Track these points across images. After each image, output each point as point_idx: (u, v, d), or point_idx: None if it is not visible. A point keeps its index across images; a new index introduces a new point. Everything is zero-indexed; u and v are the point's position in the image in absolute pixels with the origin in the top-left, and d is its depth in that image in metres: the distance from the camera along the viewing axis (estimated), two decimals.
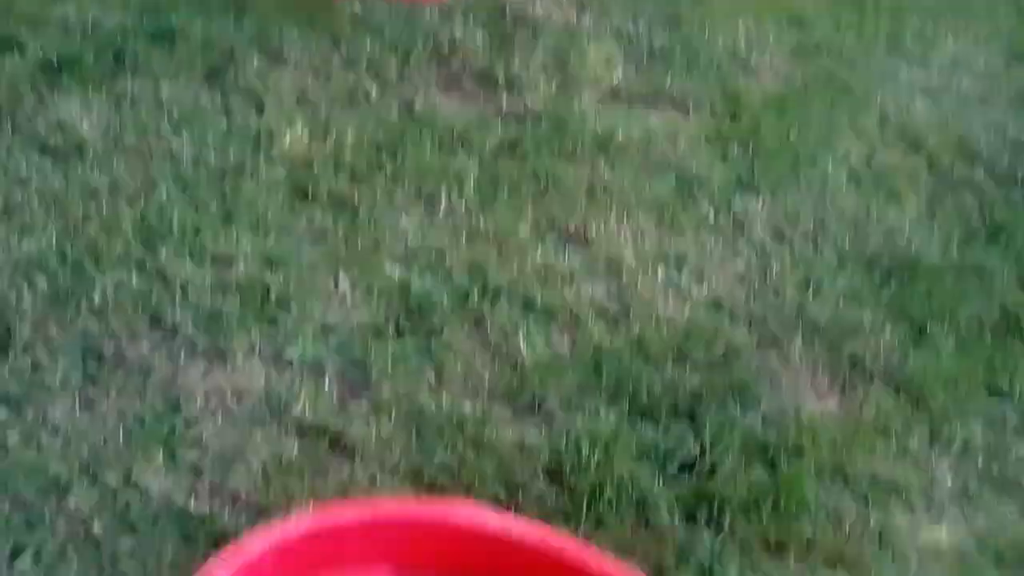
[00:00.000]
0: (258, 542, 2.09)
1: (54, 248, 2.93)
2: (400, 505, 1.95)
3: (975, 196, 3.94)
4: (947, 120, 4.30)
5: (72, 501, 2.34)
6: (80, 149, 3.32)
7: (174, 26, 3.94)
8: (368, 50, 3.98)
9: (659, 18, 4.58)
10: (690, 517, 2.60)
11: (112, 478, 2.40)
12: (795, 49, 4.57)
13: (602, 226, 3.42)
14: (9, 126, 3.37)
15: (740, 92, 4.22)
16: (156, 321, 2.79)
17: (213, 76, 3.74)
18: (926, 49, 4.76)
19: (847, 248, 3.57)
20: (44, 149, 3.29)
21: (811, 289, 3.38)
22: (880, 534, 2.65)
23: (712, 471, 2.72)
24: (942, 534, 2.69)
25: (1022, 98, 4.56)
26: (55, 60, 3.66)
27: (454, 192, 3.39)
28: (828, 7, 4.93)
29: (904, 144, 4.15)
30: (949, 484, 2.83)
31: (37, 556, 2.24)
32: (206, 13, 4.03)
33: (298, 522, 2.19)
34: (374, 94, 3.81)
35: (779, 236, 3.57)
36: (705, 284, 3.31)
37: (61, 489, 2.36)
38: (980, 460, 2.91)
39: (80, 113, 3.47)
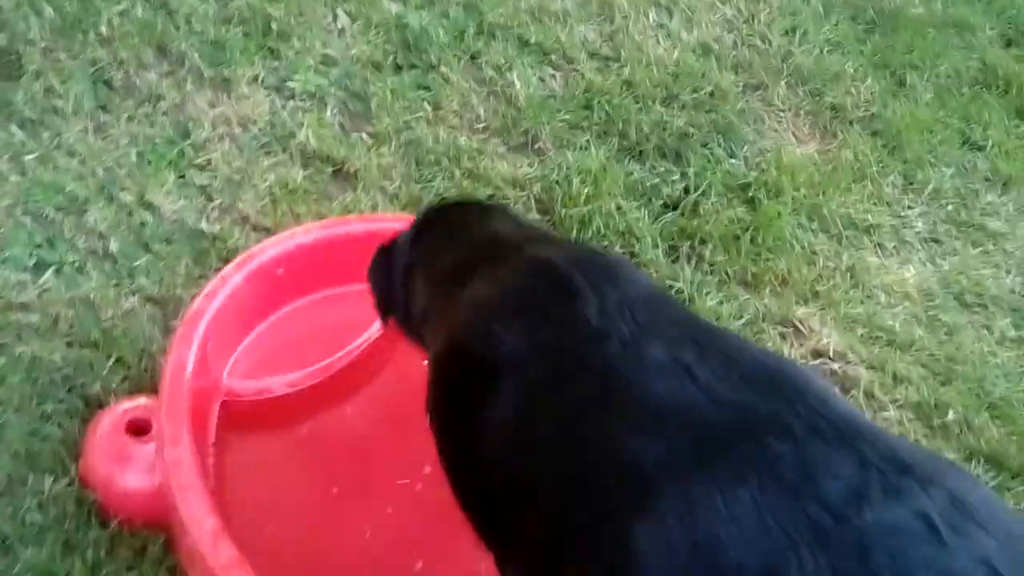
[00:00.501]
0: (271, 249, 2.19)
1: None
2: (404, 219, 2.03)
3: None
4: None
5: (90, 218, 2.41)
6: None
7: None
8: None
9: None
10: (673, 250, 2.69)
11: (127, 198, 2.47)
12: None
13: None
14: None
15: None
16: (162, 51, 2.81)
17: None
18: None
19: None
20: None
21: (797, 37, 3.40)
22: (851, 272, 2.76)
23: (695, 208, 2.80)
24: (909, 273, 2.79)
25: None
26: None
27: None
28: None
29: None
30: (919, 228, 2.93)
31: (59, 271, 2.32)
32: None
33: (307, 232, 2.28)
34: None
35: None
36: (695, 29, 3.33)
37: (79, 207, 2.43)
38: (950, 206, 3.00)
39: None
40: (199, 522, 1.77)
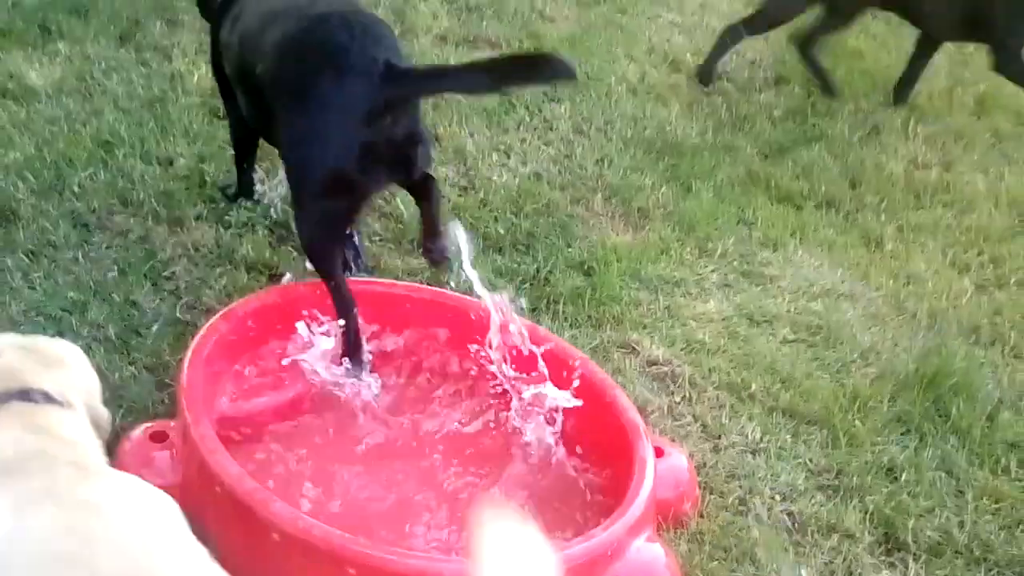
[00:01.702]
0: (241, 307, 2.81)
1: (34, 156, 3.56)
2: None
3: (723, 99, 4.86)
4: (700, 48, 5.20)
5: (90, 315, 3.00)
6: (33, 92, 3.93)
7: (84, 2, 4.56)
8: None
9: None
10: (534, 308, 3.37)
11: (116, 298, 3.07)
12: (580, 1, 5.44)
13: (447, 127, 4.19)
14: None
15: (540, 33, 5.06)
16: (124, 200, 3.46)
17: (126, 38, 4.39)
18: None
19: (630, 137, 4.42)
20: (4, 94, 3.89)
21: (606, 164, 4.21)
22: (667, 310, 3.49)
23: (547, 281, 3.51)
24: (711, 306, 3.54)
25: None
26: None
27: None
28: None
29: (667, 66, 5.05)
30: (714, 279, 3.69)
31: None
32: None
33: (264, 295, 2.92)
34: None
35: (579, 131, 4.41)
36: (529, 163, 4.12)
37: (80, 308, 3.02)
38: (735, 262, 3.78)
39: (25, 67, 4.07)
40: (227, 469, 2.34)
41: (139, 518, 1.73)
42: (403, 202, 3.64)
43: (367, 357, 2.87)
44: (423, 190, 2.95)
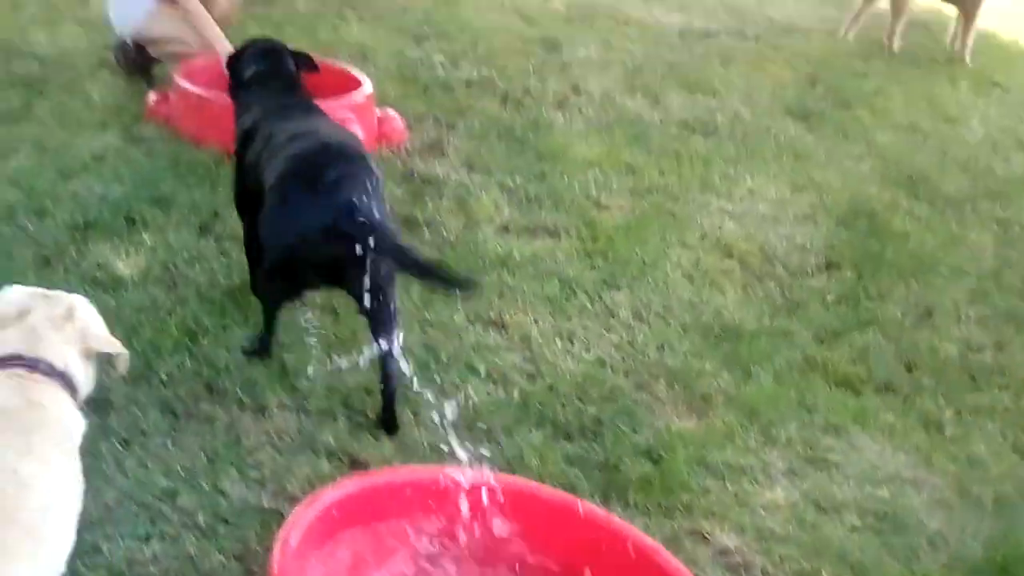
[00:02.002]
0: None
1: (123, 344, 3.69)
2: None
3: (777, 284, 4.98)
4: (751, 233, 5.36)
5: (180, 502, 3.09)
6: (120, 281, 4.10)
7: (166, 194, 4.78)
8: None
9: (530, 174, 5.59)
10: (606, 497, 3.43)
11: (205, 486, 3.17)
12: (632, 190, 5.63)
13: (512, 315, 4.32)
14: (62, 268, 4.13)
15: (596, 221, 5.22)
16: (210, 388, 3.58)
17: (206, 228, 4.58)
18: (730, 185, 5.87)
19: (688, 322, 4.53)
20: (94, 282, 4.05)
21: (666, 350, 4.31)
22: (736, 496, 3.54)
23: (616, 468, 3.57)
24: (778, 494, 3.58)
25: (804, 217, 5.66)
26: (81, 222, 4.45)
27: (403, 294, 4.25)
28: (654, 160, 6.02)
29: (720, 252, 5.19)
30: (779, 465, 3.74)
31: (162, 539, 2.97)
32: (188, 184, 4.89)
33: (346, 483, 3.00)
34: None
35: (639, 316, 4.52)
36: (592, 350, 4.22)
37: (171, 495, 3.11)
38: (799, 448, 3.84)
39: (112, 257, 4.25)
40: None
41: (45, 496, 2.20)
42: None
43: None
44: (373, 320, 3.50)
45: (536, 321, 4.33)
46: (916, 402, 4.22)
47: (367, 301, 3.38)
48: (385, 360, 3.48)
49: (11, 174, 4.78)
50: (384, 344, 3.44)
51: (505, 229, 5.05)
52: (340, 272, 3.43)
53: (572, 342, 4.25)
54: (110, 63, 6.22)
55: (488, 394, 3.85)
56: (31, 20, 7.08)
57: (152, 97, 5.66)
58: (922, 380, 4.37)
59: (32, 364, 2.42)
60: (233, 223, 4.46)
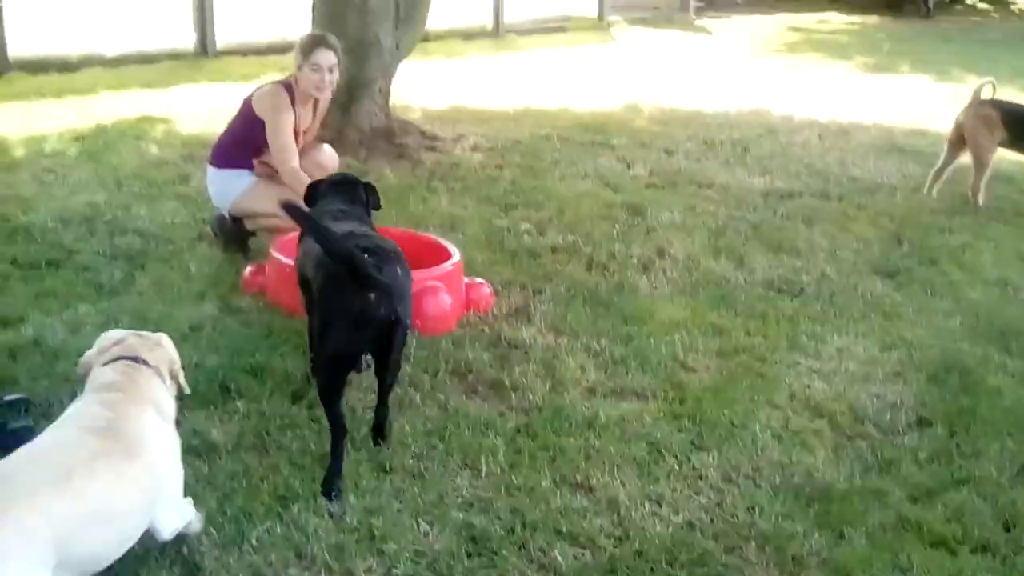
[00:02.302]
0: None
1: (215, 511, 3.76)
2: None
3: (868, 443, 4.89)
4: (840, 392, 5.30)
5: None
6: (215, 448, 4.19)
7: (260, 363, 4.90)
8: (405, 372, 4.92)
9: (616, 336, 5.63)
10: None
11: None
12: (719, 351, 5.63)
13: (599, 478, 4.31)
14: None
15: (683, 383, 5.21)
16: (299, 554, 3.61)
17: (299, 396, 4.67)
18: (818, 344, 5.84)
19: (778, 483, 4.45)
20: (189, 449, 4.12)
21: (757, 512, 4.24)
22: None
23: None
24: None
25: (894, 374, 5.59)
26: None
27: (488, 458, 4.28)
28: (741, 320, 6.03)
29: (809, 412, 5.13)
30: None
31: None
32: (281, 353, 5.01)
33: None
34: (417, 400, 4.76)
35: (728, 478, 4.46)
36: (680, 513, 4.17)
37: None
38: None
39: (207, 425, 4.36)
40: None
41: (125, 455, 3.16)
42: None
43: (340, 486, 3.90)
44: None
45: (623, 484, 4.31)
46: (1016, 562, 4.08)
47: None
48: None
49: None
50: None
51: (591, 392, 5.07)
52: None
53: (660, 505, 4.21)
54: (208, 236, 6.49)
55: (575, 558, 3.82)
56: (134, 197, 7.45)
57: (248, 269, 5.87)
58: (1021, 539, 4.22)
59: (135, 359, 3.47)
60: None
